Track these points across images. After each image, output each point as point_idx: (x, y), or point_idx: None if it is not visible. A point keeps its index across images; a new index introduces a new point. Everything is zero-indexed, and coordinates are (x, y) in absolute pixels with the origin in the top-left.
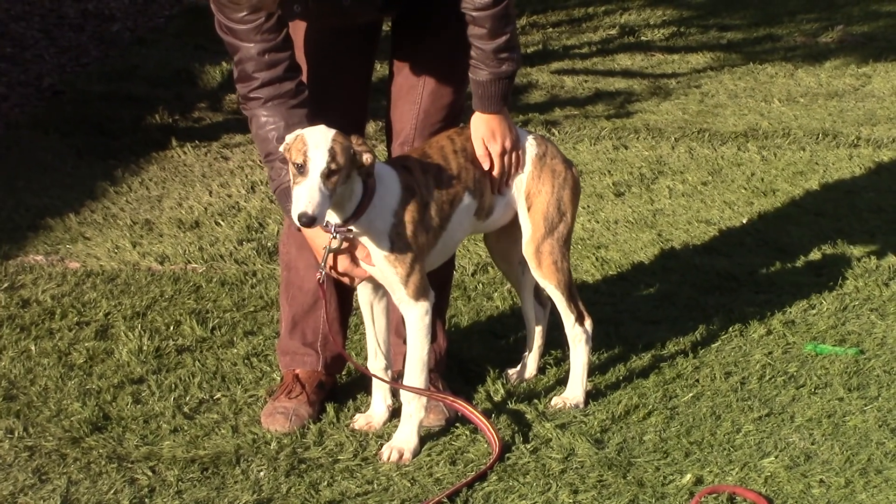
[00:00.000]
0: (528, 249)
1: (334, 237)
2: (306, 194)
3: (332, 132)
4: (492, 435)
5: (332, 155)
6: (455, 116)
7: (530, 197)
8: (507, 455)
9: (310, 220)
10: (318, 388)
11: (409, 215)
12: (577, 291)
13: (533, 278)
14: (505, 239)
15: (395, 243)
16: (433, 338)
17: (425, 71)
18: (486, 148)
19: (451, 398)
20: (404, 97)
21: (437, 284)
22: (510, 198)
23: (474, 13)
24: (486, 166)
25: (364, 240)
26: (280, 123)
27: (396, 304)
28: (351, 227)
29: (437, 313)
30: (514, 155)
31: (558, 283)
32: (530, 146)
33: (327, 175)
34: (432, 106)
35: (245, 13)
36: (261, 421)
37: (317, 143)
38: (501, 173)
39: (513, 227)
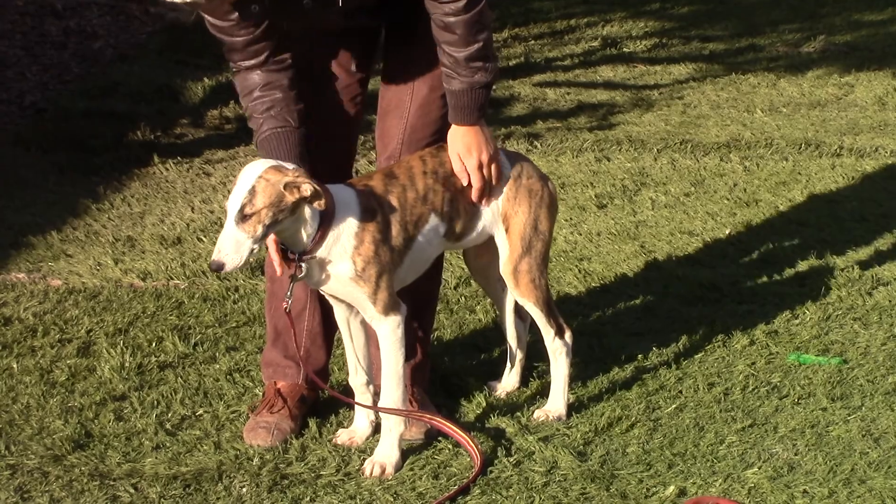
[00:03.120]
0: (505, 269)
1: (299, 266)
2: (219, 241)
3: (260, 169)
4: (473, 449)
5: (251, 196)
6: (444, 131)
7: (507, 219)
8: (490, 469)
9: (218, 267)
10: (300, 403)
11: (370, 236)
12: (555, 306)
13: (509, 295)
14: (484, 255)
15: (358, 264)
16: (413, 353)
17: (414, 84)
18: (463, 163)
19: (429, 416)
20: (392, 111)
21: (422, 300)
22: (486, 221)
23: (445, 19)
24: (463, 182)
25: (326, 262)
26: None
27: (368, 321)
28: (314, 255)
29: (422, 328)
30: (492, 168)
31: (536, 301)
32: (504, 164)
33: (241, 219)
34: (419, 121)
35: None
36: (243, 436)
37: (240, 182)
38: (481, 187)
39: (491, 243)
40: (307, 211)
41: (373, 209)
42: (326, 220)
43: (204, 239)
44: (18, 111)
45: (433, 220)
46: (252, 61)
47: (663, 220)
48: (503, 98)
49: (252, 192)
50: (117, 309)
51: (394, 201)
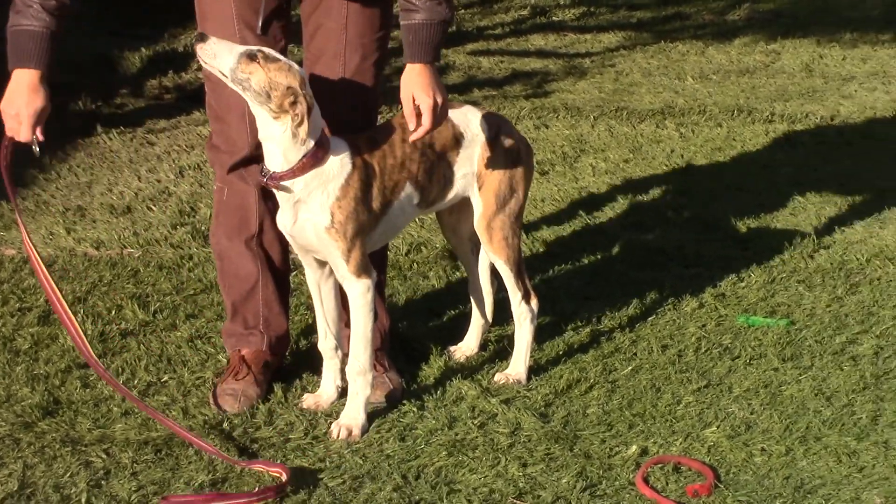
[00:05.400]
0: (479, 225)
1: (263, 180)
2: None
3: (287, 62)
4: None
5: (266, 61)
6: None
7: (482, 177)
8: (455, 431)
9: (200, 38)
10: (264, 369)
11: (353, 193)
12: (525, 269)
13: (482, 254)
14: (456, 213)
15: (336, 216)
16: (375, 316)
17: (345, 22)
18: (415, 106)
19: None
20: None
21: (374, 263)
22: (459, 188)
23: None
24: (412, 126)
25: (304, 207)
26: None
27: (339, 280)
28: (285, 183)
29: (378, 291)
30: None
31: (507, 259)
32: (482, 128)
33: (245, 56)
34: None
35: None
36: (209, 402)
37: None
38: (429, 129)
39: (464, 202)
40: (287, 127)
41: (360, 167)
42: (313, 155)
43: (153, 208)
44: None
45: (408, 188)
46: None
47: (604, 185)
48: (439, 66)
49: (268, 58)
50: (74, 278)
51: (376, 165)
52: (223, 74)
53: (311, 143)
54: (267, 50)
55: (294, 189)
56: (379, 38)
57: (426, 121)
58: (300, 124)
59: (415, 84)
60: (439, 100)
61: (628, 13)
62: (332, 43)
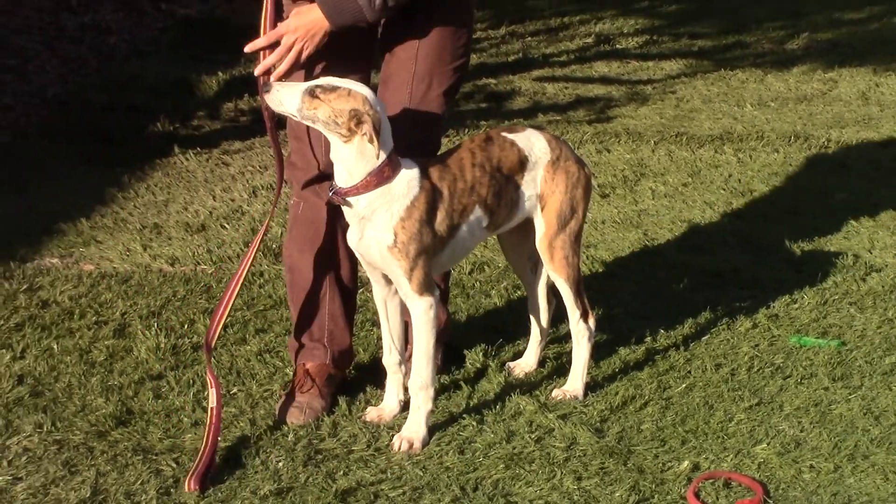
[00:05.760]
0: (541, 245)
1: (330, 194)
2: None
3: (355, 87)
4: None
5: (331, 93)
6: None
7: (545, 198)
8: (513, 445)
9: (265, 88)
10: (328, 382)
11: (419, 213)
12: (584, 289)
13: (541, 272)
14: (517, 233)
15: (399, 236)
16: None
17: (416, 53)
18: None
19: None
20: (394, 76)
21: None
22: (525, 209)
23: None
24: (253, 46)
25: (369, 224)
26: None
27: (402, 298)
28: (349, 199)
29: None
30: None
31: (568, 277)
32: (545, 151)
33: (310, 93)
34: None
35: None
36: (276, 414)
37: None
38: (274, 64)
39: (525, 223)
40: (356, 147)
41: (428, 190)
42: (378, 173)
43: (227, 226)
44: (41, 103)
45: (478, 211)
46: None
47: (663, 209)
48: (505, 92)
49: (327, 90)
50: (149, 293)
51: (445, 189)
52: (293, 115)
53: (381, 160)
54: (325, 82)
55: (357, 206)
56: (451, 69)
57: (279, 52)
58: (371, 140)
59: (297, 20)
60: (299, 45)
61: (690, 42)
62: (402, 72)
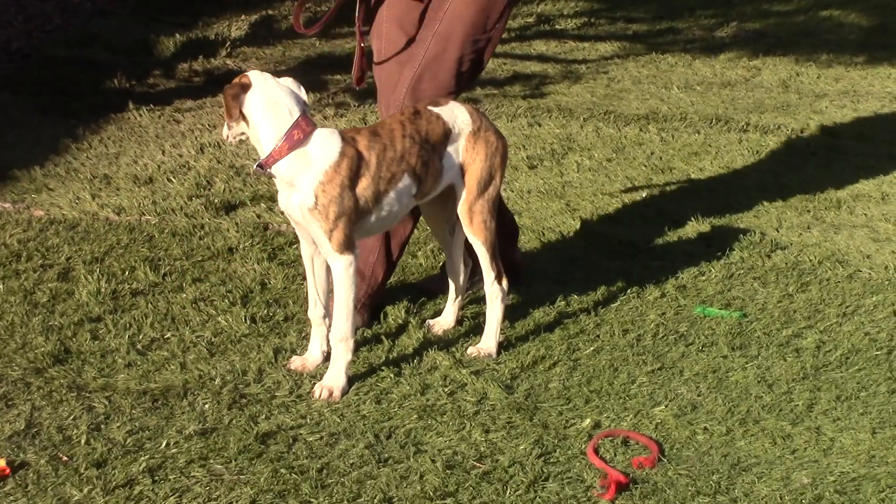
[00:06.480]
0: (462, 209)
1: (255, 168)
2: None
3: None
4: None
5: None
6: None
7: (466, 165)
8: (426, 397)
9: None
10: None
11: (339, 179)
12: (498, 252)
13: (460, 237)
14: (437, 198)
15: (319, 198)
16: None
17: (429, 40)
18: None
19: None
20: (407, 63)
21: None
22: (448, 177)
23: None
24: None
25: (293, 189)
26: None
27: (323, 255)
28: (269, 168)
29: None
30: None
31: (485, 240)
32: (467, 122)
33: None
34: (427, 73)
35: None
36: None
37: None
38: None
39: (444, 191)
40: (253, 117)
41: (350, 157)
42: (288, 137)
43: (173, 180)
44: (5, 56)
45: (406, 179)
46: None
47: (587, 181)
48: None
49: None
50: (94, 239)
51: (373, 157)
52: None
53: (286, 128)
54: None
55: (279, 173)
56: (471, 40)
57: None
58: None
59: None
60: None
61: (625, 25)
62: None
